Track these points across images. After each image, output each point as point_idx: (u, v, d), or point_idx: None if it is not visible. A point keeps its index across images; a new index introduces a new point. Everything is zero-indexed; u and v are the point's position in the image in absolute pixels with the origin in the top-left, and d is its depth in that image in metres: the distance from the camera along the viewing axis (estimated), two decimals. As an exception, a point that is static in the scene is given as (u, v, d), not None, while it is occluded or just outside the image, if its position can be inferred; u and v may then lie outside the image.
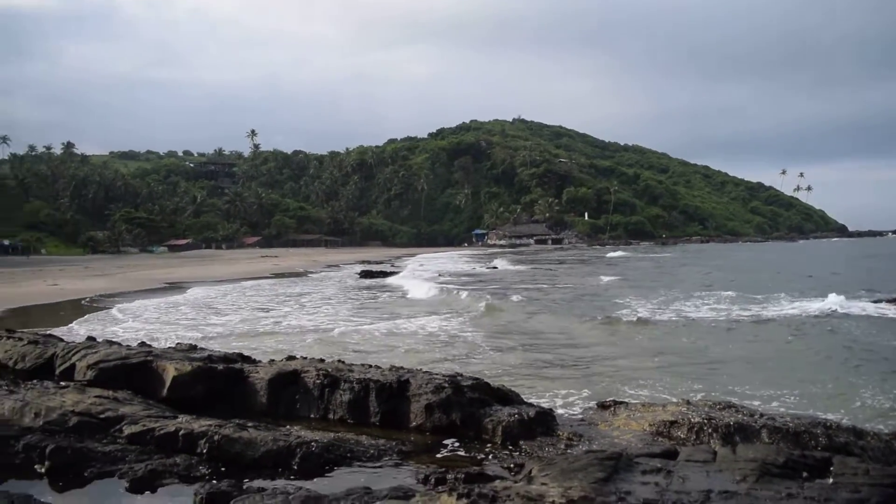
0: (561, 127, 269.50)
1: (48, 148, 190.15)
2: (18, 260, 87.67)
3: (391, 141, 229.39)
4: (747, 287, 34.63)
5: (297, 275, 58.90)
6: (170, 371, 10.27)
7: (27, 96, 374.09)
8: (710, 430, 8.25)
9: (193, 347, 12.43)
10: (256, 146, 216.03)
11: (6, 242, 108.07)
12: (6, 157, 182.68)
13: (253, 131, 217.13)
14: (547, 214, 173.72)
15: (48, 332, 15.80)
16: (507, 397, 9.83)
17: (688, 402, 9.41)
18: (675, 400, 10.46)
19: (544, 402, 10.81)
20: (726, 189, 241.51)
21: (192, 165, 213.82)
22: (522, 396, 10.28)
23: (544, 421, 8.99)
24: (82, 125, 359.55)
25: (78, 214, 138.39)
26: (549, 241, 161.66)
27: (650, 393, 12.53)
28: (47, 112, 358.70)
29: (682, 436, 8.31)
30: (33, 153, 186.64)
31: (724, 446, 7.27)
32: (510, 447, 8.43)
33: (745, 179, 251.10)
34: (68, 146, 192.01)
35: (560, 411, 10.32)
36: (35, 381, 10.65)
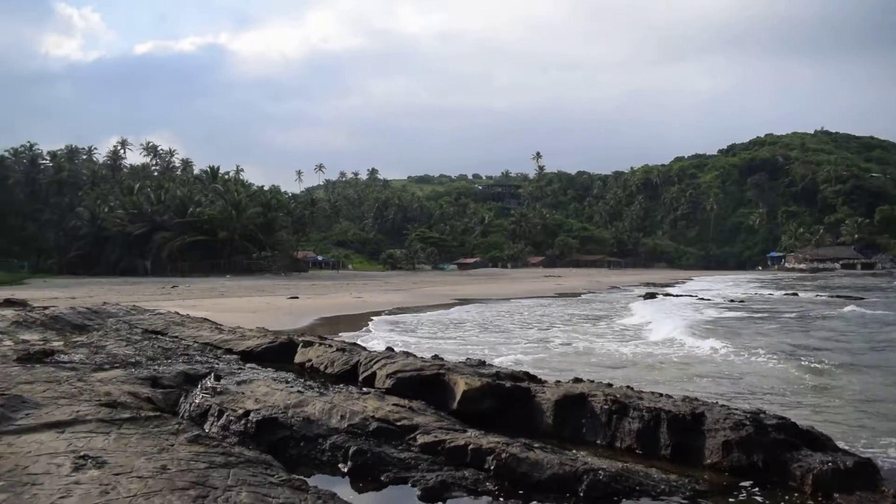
0: (872, 138, 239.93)
1: (356, 174, 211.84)
2: (330, 274, 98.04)
3: (678, 159, 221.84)
4: None
5: (578, 295, 58.77)
6: (460, 385, 10.52)
7: (343, 129, 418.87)
8: None
9: (482, 363, 12.68)
10: (541, 168, 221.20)
11: (321, 258, 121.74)
12: (321, 183, 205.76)
13: (538, 153, 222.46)
14: (856, 236, 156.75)
15: (354, 342, 17.15)
16: (817, 441, 8.69)
17: None
18: None
19: (866, 452, 9.42)
20: None
21: (480, 188, 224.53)
22: (834, 441, 9.05)
23: (865, 473, 7.80)
24: (385, 152, 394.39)
25: (379, 234, 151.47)
26: (859, 266, 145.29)
27: None
28: (357, 142, 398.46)
29: None
30: (343, 179, 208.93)
31: None
32: (821, 499, 7.42)
33: None
34: (372, 172, 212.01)
35: (882, 463, 8.90)
36: (341, 385, 11.53)
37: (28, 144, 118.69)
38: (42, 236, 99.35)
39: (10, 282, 70.30)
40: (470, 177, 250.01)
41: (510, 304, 44.10)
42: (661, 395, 10.19)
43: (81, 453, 7.69)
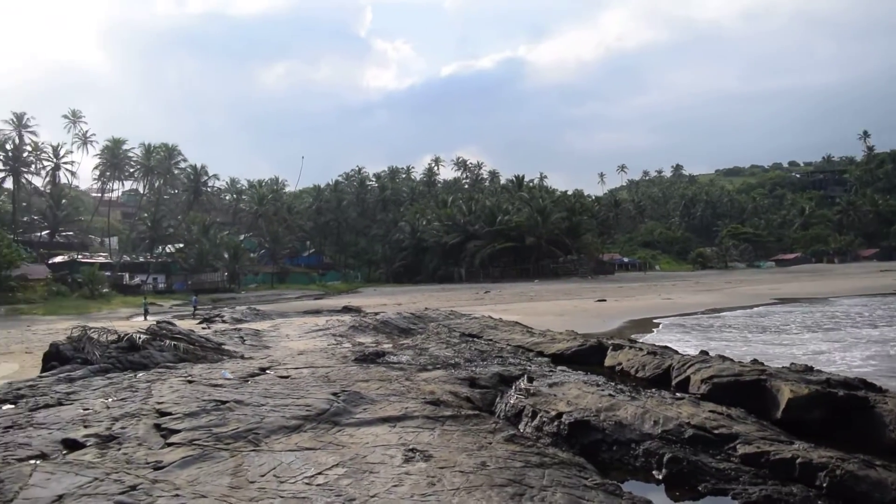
0: None
1: (659, 172, 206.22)
2: (636, 275, 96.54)
3: None
4: None
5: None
6: (785, 392, 9.75)
7: (643, 126, 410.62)
8: None
9: (809, 368, 11.64)
10: (870, 148, 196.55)
11: (626, 259, 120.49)
12: (624, 183, 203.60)
13: (865, 133, 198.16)
14: None
15: (664, 345, 16.69)
16: None
17: None
18: None
19: None
20: None
21: (797, 176, 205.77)
22: None
23: None
24: (689, 147, 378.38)
25: (687, 232, 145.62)
26: None
27: None
28: (659, 139, 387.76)
29: None
30: (647, 178, 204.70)
31: None
32: None
33: None
34: (677, 168, 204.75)
35: None
36: (653, 389, 11.28)
37: (357, 168, 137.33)
38: (371, 249, 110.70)
39: (347, 290, 79.52)
40: (785, 165, 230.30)
41: (838, 303, 39.84)
42: None
43: (410, 446, 8.41)
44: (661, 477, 8.13)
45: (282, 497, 6.73)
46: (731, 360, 12.69)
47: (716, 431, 8.76)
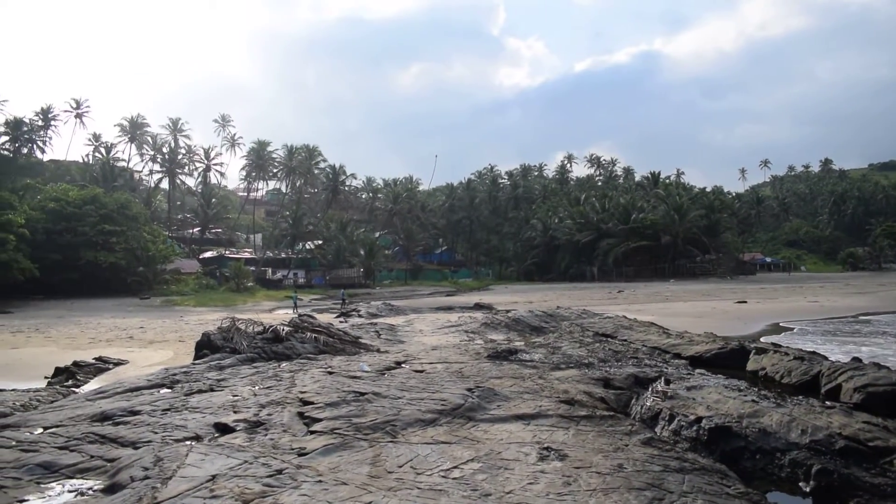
0: None
1: (806, 167, 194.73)
2: (780, 276, 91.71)
3: None
4: None
5: None
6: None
7: (788, 120, 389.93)
8: None
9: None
10: None
11: (769, 259, 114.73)
12: (767, 180, 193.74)
13: None
14: None
15: (813, 350, 15.82)
16: None
17: None
18: None
19: None
20: None
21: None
22: None
23: None
24: (838, 140, 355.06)
25: (836, 231, 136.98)
26: None
27: None
28: (805, 132, 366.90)
29: None
30: (792, 173, 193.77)
31: None
32: None
33: None
34: (826, 163, 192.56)
35: None
36: (800, 396, 10.72)
37: (489, 167, 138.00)
38: (503, 247, 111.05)
39: (478, 287, 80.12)
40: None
41: None
42: None
43: (545, 445, 8.40)
44: (808, 489, 7.72)
45: (419, 488, 6.89)
46: (888, 368, 11.86)
47: (870, 443, 8.22)
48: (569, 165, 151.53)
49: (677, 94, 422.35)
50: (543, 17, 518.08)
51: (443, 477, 7.29)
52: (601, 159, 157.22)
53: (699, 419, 9.55)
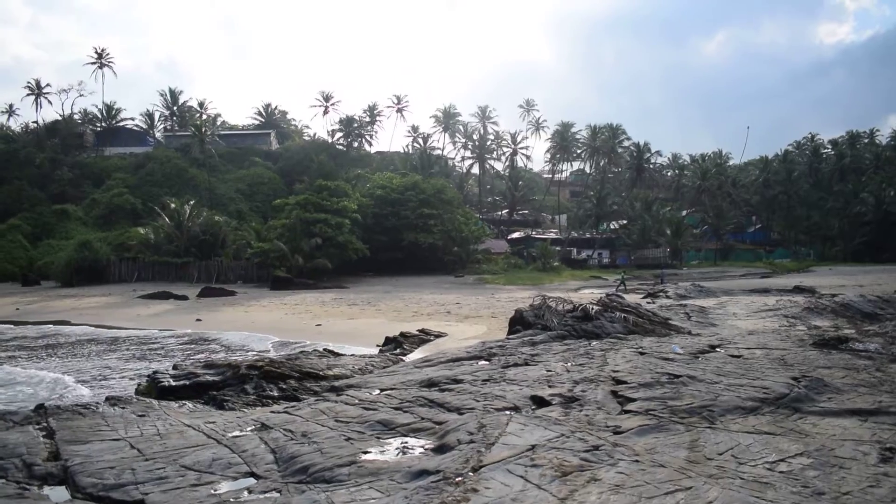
0: None
1: None
2: None
3: None
4: None
5: None
6: None
7: None
8: None
9: None
10: None
11: None
12: None
13: None
14: None
15: None
16: None
17: None
18: None
19: None
20: None
21: None
22: None
23: None
24: None
25: None
26: None
27: None
28: None
29: None
30: None
31: None
32: None
33: None
34: None
35: None
36: None
37: (810, 136, 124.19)
38: (826, 224, 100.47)
39: (796, 269, 73.69)
40: None
41: None
42: None
43: (888, 445, 7.56)
44: None
45: (742, 479, 6.59)
46: None
47: None
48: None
49: None
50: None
51: (768, 469, 6.90)
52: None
53: None
